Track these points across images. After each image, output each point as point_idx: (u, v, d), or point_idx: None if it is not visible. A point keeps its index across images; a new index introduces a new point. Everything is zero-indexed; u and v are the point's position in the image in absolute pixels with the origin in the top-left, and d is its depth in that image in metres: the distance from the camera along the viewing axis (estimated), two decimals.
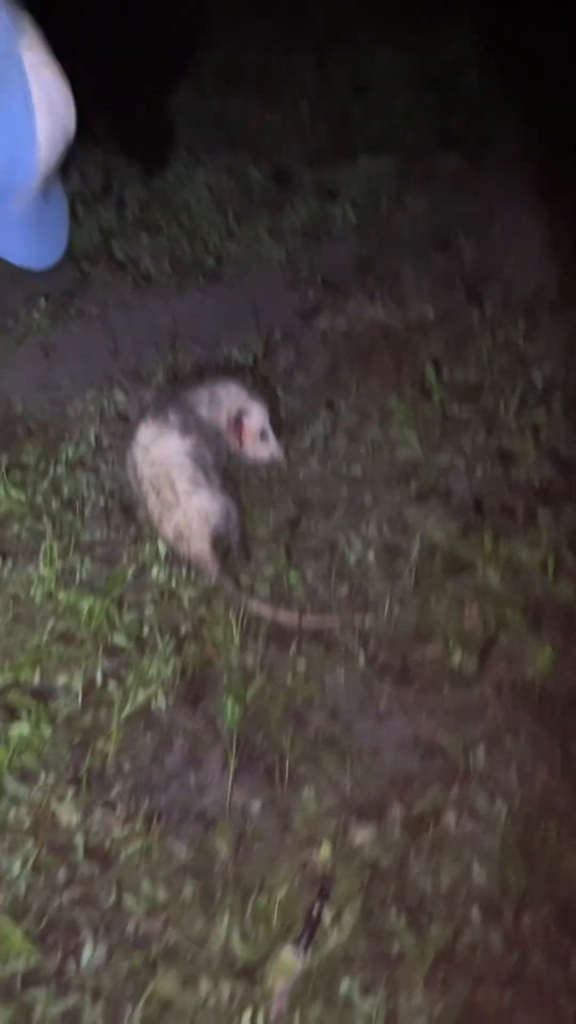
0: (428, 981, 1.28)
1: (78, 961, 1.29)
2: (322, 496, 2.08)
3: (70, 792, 1.48)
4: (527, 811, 1.48)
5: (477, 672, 1.69)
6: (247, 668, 1.69)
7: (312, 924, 1.33)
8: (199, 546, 1.79)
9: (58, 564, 1.86)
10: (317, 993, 1.27)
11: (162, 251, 2.93)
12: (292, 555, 1.92)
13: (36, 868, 1.39)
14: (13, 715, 1.59)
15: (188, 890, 1.37)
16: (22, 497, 2.02)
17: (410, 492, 2.06)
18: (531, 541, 1.91)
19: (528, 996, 1.28)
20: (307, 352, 2.55)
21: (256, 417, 1.92)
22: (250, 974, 1.29)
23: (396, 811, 1.48)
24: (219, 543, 1.80)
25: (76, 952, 1.30)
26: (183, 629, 1.75)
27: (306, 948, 1.30)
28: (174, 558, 1.85)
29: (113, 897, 1.36)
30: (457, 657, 1.71)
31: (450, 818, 1.47)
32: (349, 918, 1.34)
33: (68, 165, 1.11)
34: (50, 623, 1.75)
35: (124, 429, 2.23)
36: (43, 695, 1.64)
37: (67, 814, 1.45)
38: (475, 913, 1.35)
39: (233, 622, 1.74)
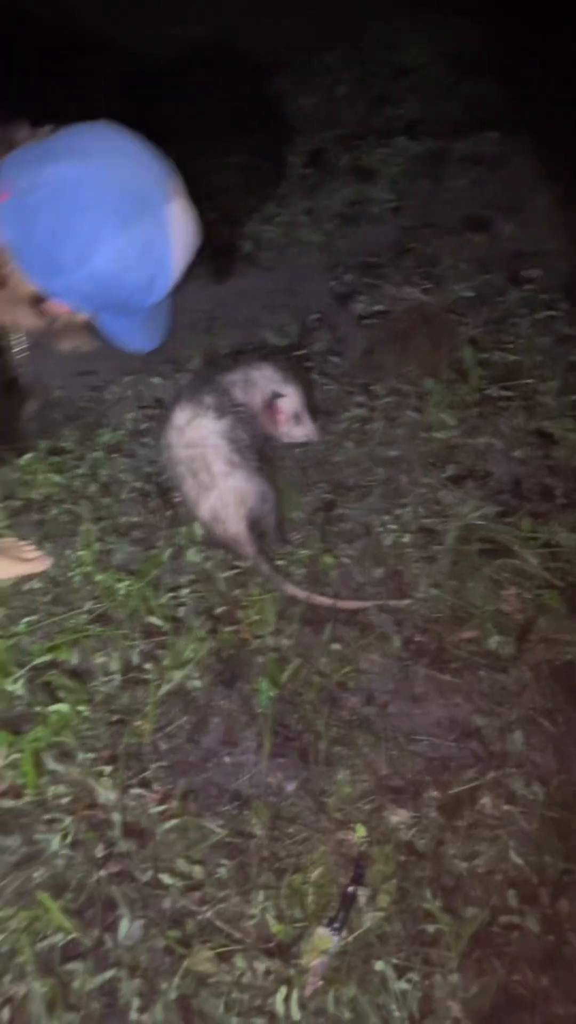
0: (463, 963, 1.28)
1: (115, 936, 1.31)
2: (358, 478, 2.07)
3: (107, 770, 1.50)
4: (564, 794, 1.46)
5: (514, 655, 1.67)
6: (282, 650, 1.69)
7: (347, 904, 1.33)
8: (235, 528, 1.79)
9: (96, 546, 1.88)
10: (352, 973, 1.27)
11: None
12: (327, 537, 1.92)
13: (75, 844, 1.41)
14: (52, 695, 1.61)
15: (223, 868, 1.38)
16: (61, 481, 2.04)
17: (447, 474, 2.05)
18: (571, 524, 1.89)
19: (564, 980, 1.26)
20: (344, 335, 2.54)
21: (291, 400, 1.91)
22: (284, 952, 1.29)
23: (431, 793, 1.47)
24: (254, 525, 1.80)
25: (113, 927, 1.32)
26: (218, 611, 1.76)
27: (341, 928, 1.30)
28: (210, 540, 1.85)
29: (150, 874, 1.38)
30: (494, 640, 1.69)
31: (486, 801, 1.46)
32: (384, 899, 1.34)
33: None
34: (88, 604, 1.77)
35: (160, 413, 2.24)
36: (81, 675, 1.66)
37: (105, 792, 1.47)
38: (511, 896, 1.34)
39: (268, 604, 1.75)
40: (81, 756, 1.52)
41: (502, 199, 3.14)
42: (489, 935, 1.31)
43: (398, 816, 1.44)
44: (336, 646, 1.70)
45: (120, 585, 1.79)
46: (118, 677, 1.64)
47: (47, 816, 1.44)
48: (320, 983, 1.26)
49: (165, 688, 1.62)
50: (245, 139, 3.45)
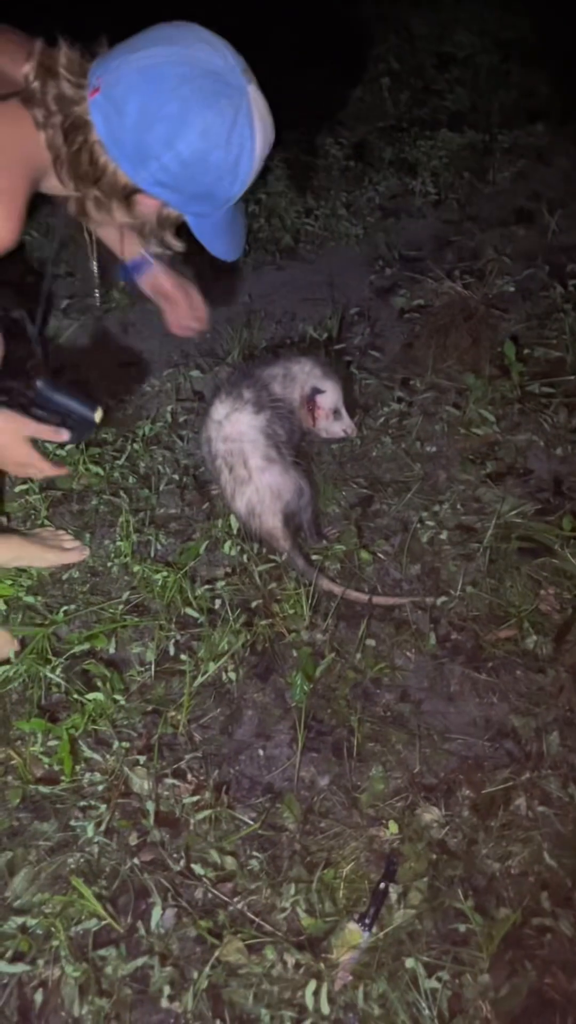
0: (494, 964, 1.27)
1: (147, 924, 1.32)
2: (395, 474, 2.06)
3: (142, 759, 1.51)
4: None
5: (552, 656, 1.66)
6: (317, 645, 1.69)
7: (378, 900, 1.33)
8: (271, 522, 1.79)
9: (134, 538, 1.90)
10: (382, 969, 1.27)
11: None
12: (364, 533, 1.91)
13: (109, 832, 1.43)
14: (89, 683, 1.62)
15: (255, 861, 1.39)
16: (100, 472, 2.06)
17: (486, 471, 2.03)
18: None
19: None
20: (383, 329, 2.53)
21: (330, 395, 1.90)
22: (315, 946, 1.30)
23: (465, 792, 1.46)
24: (290, 520, 1.80)
25: (145, 915, 1.33)
26: (254, 604, 1.77)
27: (371, 924, 1.30)
28: (246, 534, 1.86)
29: (182, 863, 1.39)
30: (531, 640, 1.68)
31: (520, 802, 1.44)
32: (415, 896, 1.34)
33: None
34: (125, 595, 1.79)
35: (199, 406, 2.25)
36: (117, 664, 1.67)
37: (139, 781, 1.48)
38: (544, 898, 1.33)
39: (303, 599, 1.75)
40: (116, 745, 1.53)
41: (547, 192, 3.10)
42: (521, 937, 1.30)
43: (431, 814, 1.44)
44: (371, 642, 1.69)
45: (157, 576, 1.80)
46: (153, 667, 1.66)
47: (82, 803, 1.46)
48: (350, 978, 1.26)
49: (200, 679, 1.63)
50: (287, 132, 3.43)
